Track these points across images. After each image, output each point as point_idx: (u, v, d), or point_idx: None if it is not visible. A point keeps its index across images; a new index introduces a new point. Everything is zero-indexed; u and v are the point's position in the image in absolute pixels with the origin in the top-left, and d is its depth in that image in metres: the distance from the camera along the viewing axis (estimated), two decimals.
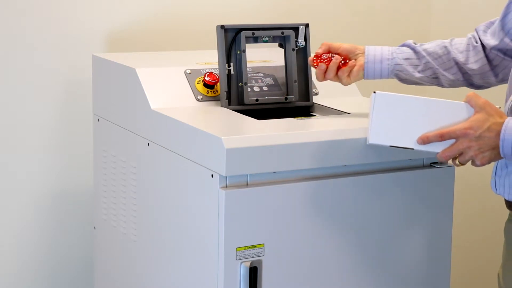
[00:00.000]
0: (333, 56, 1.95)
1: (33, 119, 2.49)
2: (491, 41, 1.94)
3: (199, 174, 1.77)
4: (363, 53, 1.95)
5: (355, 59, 1.96)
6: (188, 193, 1.83)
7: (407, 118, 1.67)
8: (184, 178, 1.85)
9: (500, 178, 1.75)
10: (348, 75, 1.95)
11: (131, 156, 2.10)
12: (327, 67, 1.94)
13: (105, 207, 2.27)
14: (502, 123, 1.63)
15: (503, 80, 1.98)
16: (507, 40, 1.91)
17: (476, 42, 1.97)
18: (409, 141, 1.68)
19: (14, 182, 2.49)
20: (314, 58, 1.96)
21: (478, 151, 1.64)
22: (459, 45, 1.97)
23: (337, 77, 1.96)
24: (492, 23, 1.97)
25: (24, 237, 2.52)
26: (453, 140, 1.66)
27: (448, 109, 1.67)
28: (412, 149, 1.69)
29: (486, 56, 1.96)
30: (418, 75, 1.96)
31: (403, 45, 1.99)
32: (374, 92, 1.68)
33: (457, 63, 1.96)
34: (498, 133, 1.63)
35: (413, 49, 1.97)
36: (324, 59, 1.95)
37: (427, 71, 1.96)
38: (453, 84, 1.99)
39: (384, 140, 1.70)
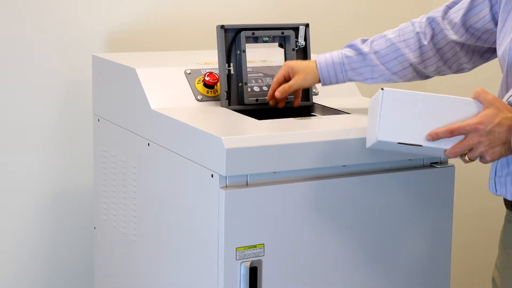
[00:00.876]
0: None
1: (33, 119, 2.49)
2: (450, 32, 1.93)
3: (199, 174, 1.77)
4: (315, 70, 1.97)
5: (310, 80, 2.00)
6: (188, 193, 1.83)
7: (416, 115, 1.65)
8: (184, 178, 1.85)
9: (500, 178, 1.74)
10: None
11: (131, 156, 2.10)
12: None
13: (105, 207, 2.27)
14: None
15: (458, 70, 1.99)
16: (466, 36, 1.91)
17: (425, 38, 1.95)
18: (417, 137, 1.65)
19: (14, 182, 2.49)
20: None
21: (488, 146, 1.61)
22: (410, 42, 1.95)
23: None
24: (449, 7, 1.95)
25: (24, 237, 2.52)
26: (462, 137, 1.63)
27: (457, 106, 1.65)
28: (421, 145, 1.66)
29: (439, 49, 1.95)
30: (371, 81, 1.98)
31: (352, 47, 1.98)
32: (382, 89, 1.66)
33: (411, 64, 1.95)
34: (509, 128, 1.60)
35: (362, 55, 1.96)
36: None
37: (381, 77, 1.96)
38: (408, 81, 1.99)
39: (392, 137, 1.67)
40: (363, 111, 2.06)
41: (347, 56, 1.97)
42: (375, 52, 1.96)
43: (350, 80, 1.99)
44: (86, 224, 2.54)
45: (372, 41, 1.97)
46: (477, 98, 1.64)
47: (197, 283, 1.82)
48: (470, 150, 1.63)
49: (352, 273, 1.86)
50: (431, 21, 1.95)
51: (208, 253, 1.76)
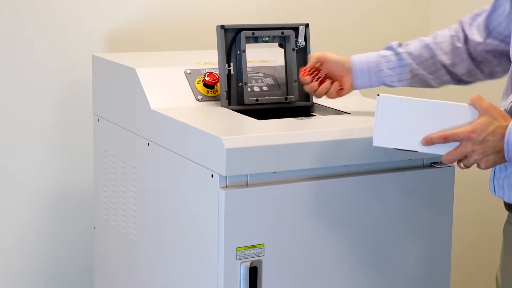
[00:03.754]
0: (320, 73, 1.98)
1: (33, 119, 2.49)
2: (476, 36, 1.93)
3: (199, 174, 1.77)
4: (350, 67, 1.97)
5: (342, 76, 1.97)
6: (188, 193, 1.83)
7: (411, 121, 1.65)
8: (184, 178, 1.85)
9: (498, 180, 1.74)
10: (338, 93, 1.99)
11: (131, 156, 2.10)
12: (318, 86, 1.98)
13: (105, 207, 2.27)
14: (506, 126, 1.60)
15: (491, 75, 1.98)
16: (489, 40, 1.91)
17: (459, 41, 1.95)
18: (413, 143, 1.66)
19: (14, 182, 2.49)
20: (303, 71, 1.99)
21: (482, 154, 1.61)
22: (444, 45, 1.96)
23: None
24: (478, 15, 1.95)
25: (24, 237, 2.52)
26: (457, 143, 1.63)
27: (453, 112, 1.64)
28: (416, 151, 1.67)
29: (470, 53, 1.95)
30: (405, 82, 1.97)
31: (388, 49, 1.98)
32: (378, 95, 1.67)
33: (444, 66, 1.95)
34: (502, 137, 1.60)
35: (398, 55, 1.96)
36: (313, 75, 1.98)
37: (414, 78, 1.96)
38: (442, 84, 1.99)
39: (388, 143, 1.67)
40: (363, 111, 2.06)
41: (383, 56, 1.96)
42: (409, 53, 1.95)
43: (384, 83, 1.97)
44: (86, 224, 2.54)
45: (407, 44, 1.98)
46: (473, 104, 1.63)
47: (197, 283, 1.82)
48: (465, 157, 1.64)
49: (352, 273, 1.86)
50: (462, 25, 1.96)
51: (208, 253, 1.76)
